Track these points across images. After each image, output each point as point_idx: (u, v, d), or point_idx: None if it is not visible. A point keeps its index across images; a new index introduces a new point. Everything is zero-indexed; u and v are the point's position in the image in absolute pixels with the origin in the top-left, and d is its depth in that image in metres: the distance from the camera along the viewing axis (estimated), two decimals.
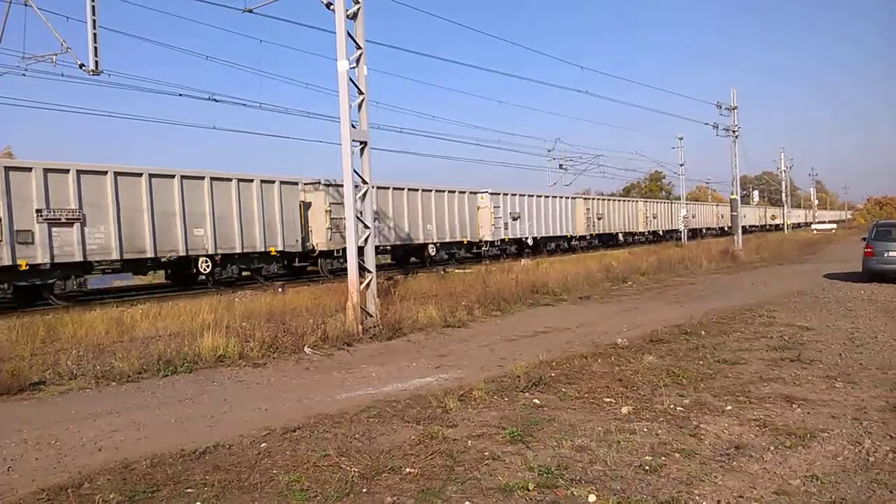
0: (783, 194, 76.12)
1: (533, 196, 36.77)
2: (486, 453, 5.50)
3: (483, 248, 32.75)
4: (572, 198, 41.67)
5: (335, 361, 10.07)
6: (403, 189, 27.71)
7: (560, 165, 48.62)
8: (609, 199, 48.49)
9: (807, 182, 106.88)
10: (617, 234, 46.42)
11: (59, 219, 16.88)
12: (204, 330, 10.57)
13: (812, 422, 6.13)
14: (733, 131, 37.25)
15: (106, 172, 17.93)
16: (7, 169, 16.20)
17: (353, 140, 12.59)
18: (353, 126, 12.60)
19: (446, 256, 30.78)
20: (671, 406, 6.73)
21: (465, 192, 31.48)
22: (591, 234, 42.38)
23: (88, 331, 11.79)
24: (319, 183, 23.97)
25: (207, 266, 20.43)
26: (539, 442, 5.78)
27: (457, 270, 25.41)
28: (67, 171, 17.18)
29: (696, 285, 20.27)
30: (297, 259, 24.06)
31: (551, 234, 38.17)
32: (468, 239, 31.58)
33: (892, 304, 14.10)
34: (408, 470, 5.16)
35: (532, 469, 5.11)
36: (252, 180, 21.72)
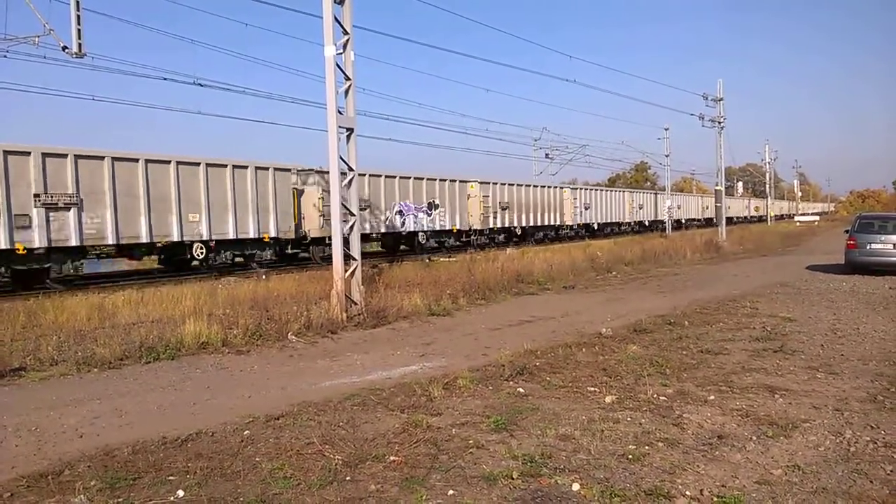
0: (767, 186, 76.60)
1: (522, 185, 36.85)
2: (471, 442, 5.50)
3: (472, 237, 32.76)
4: (560, 187, 41.78)
5: (319, 349, 10.02)
6: (395, 177, 27.67)
7: (546, 155, 48.65)
8: (596, 189, 48.61)
9: (790, 174, 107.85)
10: (604, 223, 46.64)
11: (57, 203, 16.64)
12: (187, 317, 10.48)
13: (794, 412, 6.18)
14: (719, 122, 37.40)
15: (103, 158, 17.68)
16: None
17: (340, 127, 12.50)
18: (340, 112, 12.51)
19: (436, 245, 30.73)
20: (654, 395, 6.76)
21: (455, 181, 31.45)
22: (577, 224, 42.59)
23: (70, 316, 11.65)
24: (312, 170, 23.89)
25: (202, 252, 20.41)
26: (523, 431, 5.78)
27: (442, 259, 25.39)
28: (66, 155, 16.87)
29: (680, 276, 20.39)
30: (290, 245, 24.00)
31: (539, 224, 38.28)
32: (458, 227, 31.58)
33: (874, 295, 14.26)
34: (392, 458, 5.15)
35: (516, 458, 5.11)
36: (247, 167, 21.60)
